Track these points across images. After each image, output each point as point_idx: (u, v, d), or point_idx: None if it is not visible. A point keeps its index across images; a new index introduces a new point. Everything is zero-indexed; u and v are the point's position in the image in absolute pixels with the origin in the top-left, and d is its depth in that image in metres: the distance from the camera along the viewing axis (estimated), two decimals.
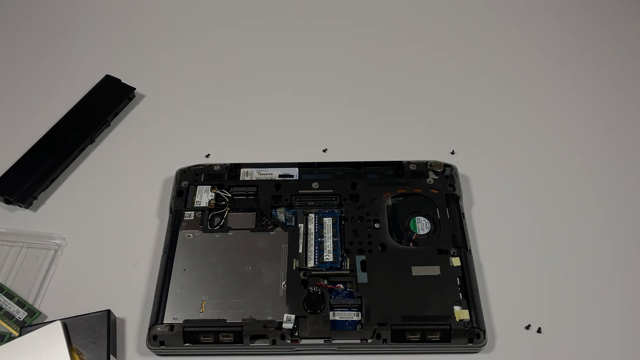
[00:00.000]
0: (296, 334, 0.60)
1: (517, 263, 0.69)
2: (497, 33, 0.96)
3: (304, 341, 0.60)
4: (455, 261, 0.65)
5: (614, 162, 0.79)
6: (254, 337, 0.60)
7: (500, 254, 0.69)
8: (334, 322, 0.61)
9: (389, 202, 0.71)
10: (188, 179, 0.74)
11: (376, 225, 0.68)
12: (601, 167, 0.78)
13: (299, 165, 0.75)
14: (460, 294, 0.62)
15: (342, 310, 0.62)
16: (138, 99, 0.87)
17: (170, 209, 0.71)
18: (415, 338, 0.60)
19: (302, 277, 0.64)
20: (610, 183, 0.76)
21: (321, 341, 0.60)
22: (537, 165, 0.78)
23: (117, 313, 0.64)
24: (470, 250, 0.67)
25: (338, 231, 0.68)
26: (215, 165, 0.75)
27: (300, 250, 0.66)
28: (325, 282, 0.64)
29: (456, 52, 0.93)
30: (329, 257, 0.66)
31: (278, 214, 0.70)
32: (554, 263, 0.68)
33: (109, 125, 0.83)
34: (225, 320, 0.61)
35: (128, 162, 0.79)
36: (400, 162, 0.74)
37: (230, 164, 0.75)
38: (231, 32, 0.97)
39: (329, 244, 0.67)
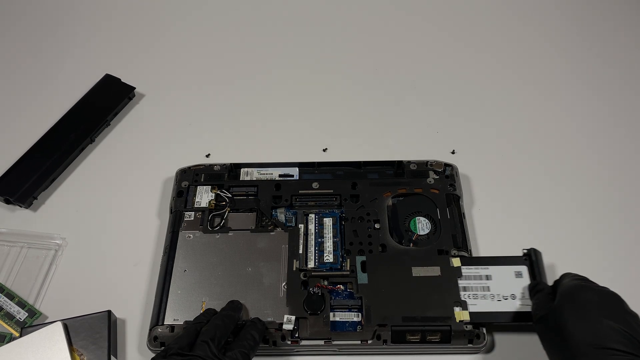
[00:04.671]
0: (296, 335, 0.60)
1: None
2: (497, 34, 0.96)
3: (304, 342, 0.60)
4: (456, 262, 0.65)
5: (614, 161, 0.78)
6: None
7: (500, 254, 0.69)
8: (334, 323, 0.61)
9: (389, 202, 0.71)
10: (188, 179, 0.74)
11: (376, 226, 0.68)
12: (601, 167, 0.78)
13: (299, 165, 0.75)
14: (461, 295, 0.62)
15: (342, 311, 0.62)
16: (138, 98, 0.87)
17: (171, 209, 0.71)
18: (416, 339, 0.60)
19: (302, 277, 0.64)
20: (610, 182, 0.76)
21: (321, 342, 0.60)
22: (537, 165, 0.78)
23: (117, 314, 0.64)
24: (470, 250, 0.67)
25: (338, 231, 0.68)
26: (215, 165, 0.75)
27: (301, 251, 0.66)
28: (326, 283, 0.64)
29: (456, 53, 0.93)
30: (329, 257, 0.66)
31: (278, 214, 0.70)
32: (554, 263, 0.68)
33: (109, 124, 0.83)
34: None
35: (128, 162, 0.79)
36: (400, 162, 0.74)
37: (230, 164, 0.75)
38: (231, 32, 0.97)
39: (329, 244, 0.67)
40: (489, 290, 0.62)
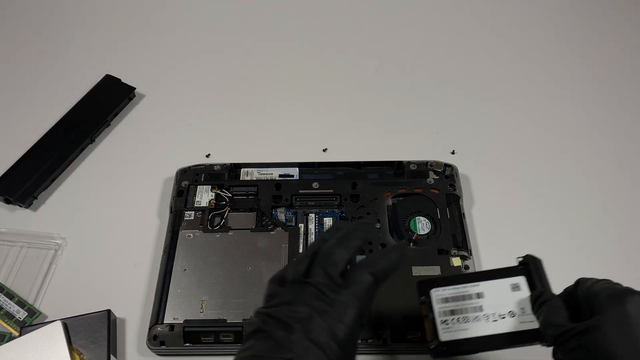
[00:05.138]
0: None
1: (517, 263, 0.68)
2: (497, 34, 0.96)
3: None
4: (456, 261, 0.65)
5: (614, 161, 0.79)
6: None
7: (501, 254, 0.69)
8: None
9: (389, 202, 0.71)
10: (188, 179, 0.74)
11: (376, 225, 0.68)
12: (601, 166, 0.78)
13: (299, 165, 0.75)
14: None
15: None
16: (138, 98, 0.87)
17: (171, 209, 0.71)
18: (416, 338, 0.60)
19: None
20: (610, 182, 0.76)
21: None
22: (537, 164, 0.78)
23: (117, 313, 0.64)
24: (470, 250, 0.67)
25: None
26: (216, 165, 0.75)
27: (301, 250, 0.66)
28: None
29: (456, 53, 0.93)
30: None
31: (278, 213, 0.70)
32: (554, 263, 0.68)
33: (109, 125, 0.83)
34: (225, 320, 0.61)
35: (128, 162, 0.79)
36: (400, 162, 0.74)
37: (231, 163, 0.75)
38: (231, 32, 0.97)
39: None
40: (481, 311, 0.53)
